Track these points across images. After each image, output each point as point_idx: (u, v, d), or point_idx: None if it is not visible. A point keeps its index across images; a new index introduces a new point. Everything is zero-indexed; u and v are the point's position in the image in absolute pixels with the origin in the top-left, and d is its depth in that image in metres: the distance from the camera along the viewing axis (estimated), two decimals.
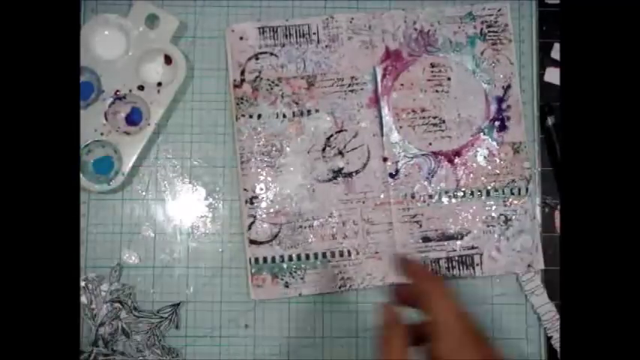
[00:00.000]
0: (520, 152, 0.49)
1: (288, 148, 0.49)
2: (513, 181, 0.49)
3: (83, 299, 0.47)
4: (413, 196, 0.49)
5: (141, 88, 0.48)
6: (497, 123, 0.49)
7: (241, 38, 0.49)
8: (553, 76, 0.51)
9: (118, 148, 0.48)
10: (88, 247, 0.48)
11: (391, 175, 0.49)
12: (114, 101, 0.48)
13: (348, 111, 0.49)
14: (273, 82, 0.49)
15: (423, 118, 0.49)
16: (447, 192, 0.49)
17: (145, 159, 0.49)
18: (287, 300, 0.48)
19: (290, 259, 0.48)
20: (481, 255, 0.48)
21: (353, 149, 0.49)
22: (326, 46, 0.49)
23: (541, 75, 0.51)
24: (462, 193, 0.49)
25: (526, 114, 0.50)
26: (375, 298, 0.48)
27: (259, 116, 0.49)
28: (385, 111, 0.49)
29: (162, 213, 0.49)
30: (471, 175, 0.49)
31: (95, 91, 0.48)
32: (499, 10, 0.50)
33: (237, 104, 0.49)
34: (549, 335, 0.48)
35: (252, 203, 0.48)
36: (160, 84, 0.49)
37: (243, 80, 0.49)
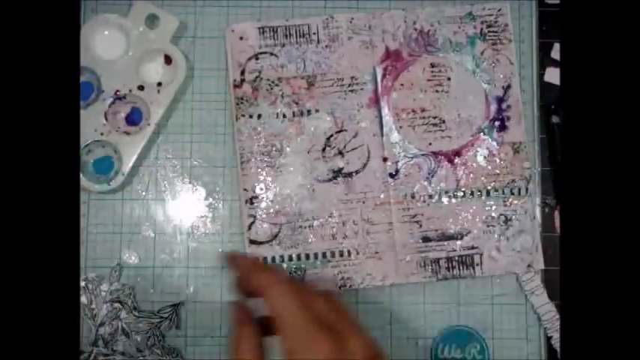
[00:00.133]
0: (520, 152, 0.49)
1: (288, 148, 0.49)
2: (513, 181, 0.49)
3: (83, 299, 0.47)
4: (413, 196, 0.49)
5: (141, 88, 0.48)
6: (497, 123, 0.49)
7: (241, 38, 0.49)
8: (553, 76, 0.51)
9: (118, 148, 0.48)
10: (88, 247, 0.48)
11: (391, 175, 0.49)
12: (114, 101, 0.48)
13: (348, 111, 0.49)
14: (273, 82, 0.49)
15: (423, 118, 0.49)
16: (447, 192, 0.49)
17: (145, 159, 0.49)
18: None
19: (290, 259, 0.48)
20: (481, 255, 0.48)
21: (353, 149, 0.49)
22: (326, 46, 0.49)
23: (541, 75, 0.51)
24: (462, 193, 0.49)
25: (526, 114, 0.50)
26: (375, 298, 0.49)
27: (259, 116, 0.49)
28: (385, 111, 0.49)
29: (162, 213, 0.49)
30: (471, 175, 0.49)
31: (95, 91, 0.48)
32: (499, 10, 0.50)
33: (237, 104, 0.49)
34: (549, 335, 0.48)
35: (252, 203, 0.48)
36: (160, 84, 0.49)
37: (243, 80, 0.49)
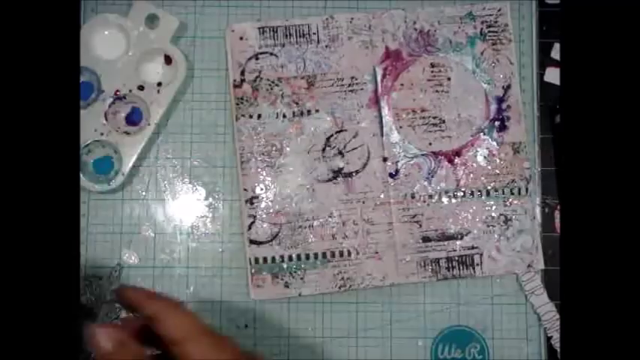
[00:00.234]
0: (520, 152, 0.49)
1: (288, 148, 0.49)
2: (513, 181, 0.49)
3: (83, 299, 0.47)
4: (413, 196, 0.49)
5: (141, 88, 0.48)
6: (497, 123, 0.49)
7: (241, 38, 0.49)
8: (553, 76, 0.51)
9: (118, 148, 0.48)
10: (88, 247, 0.48)
11: (391, 175, 0.49)
12: (114, 101, 0.48)
13: (348, 111, 0.49)
14: (273, 82, 0.49)
15: (423, 118, 0.49)
16: (447, 192, 0.49)
17: (145, 159, 0.49)
18: (287, 300, 0.48)
19: (290, 259, 0.48)
20: (481, 255, 0.48)
21: (353, 149, 0.49)
22: (326, 46, 0.49)
23: (541, 75, 0.51)
24: (462, 193, 0.49)
25: (526, 114, 0.50)
26: (375, 298, 0.49)
27: (259, 116, 0.49)
28: (385, 111, 0.49)
29: (162, 213, 0.49)
30: (471, 175, 0.49)
31: (95, 91, 0.48)
32: (499, 10, 0.50)
33: (237, 104, 0.49)
34: (549, 335, 0.48)
35: (252, 203, 0.48)
36: (160, 84, 0.49)
37: (243, 80, 0.49)
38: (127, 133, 0.48)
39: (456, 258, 0.48)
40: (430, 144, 0.49)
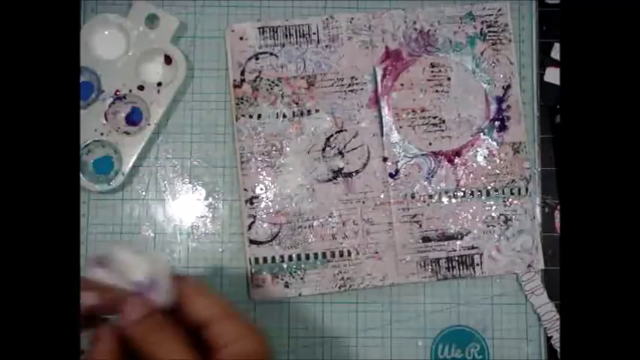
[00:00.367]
0: (520, 152, 0.49)
1: (288, 148, 0.49)
2: (513, 181, 0.49)
3: None
4: (413, 196, 0.49)
5: (141, 88, 0.48)
6: (497, 123, 0.49)
7: (241, 38, 0.49)
8: (553, 76, 0.51)
9: (118, 148, 0.48)
10: (88, 247, 0.48)
11: (391, 175, 0.49)
12: (114, 101, 0.48)
13: (348, 111, 0.49)
14: (273, 82, 0.49)
15: (423, 118, 0.49)
16: (447, 192, 0.49)
17: (145, 159, 0.49)
18: (287, 300, 0.48)
19: (290, 259, 0.48)
20: (481, 255, 0.48)
21: (353, 149, 0.49)
22: (326, 46, 0.49)
23: (541, 75, 0.51)
24: (462, 193, 0.49)
25: (526, 114, 0.50)
26: (375, 298, 0.49)
27: (259, 116, 0.49)
28: (385, 111, 0.49)
29: (162, 213, 0.49)
30: (471, 175, 0.49)
31: (95, 91, 0.48)
32: (499, 10, 0.50)
33: (237, 104, 0.49)
34: (549, 335, 0.48)
35: (252, 203, 0.48)
36: (160, 84, 0.49)
37: (243, 80, 0.49)
38: (127, 133, 0.48)
39: (456, 258, 0.48)
40: (430, 144, 0.49)
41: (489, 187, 0.49)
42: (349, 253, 0.48)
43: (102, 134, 0.48)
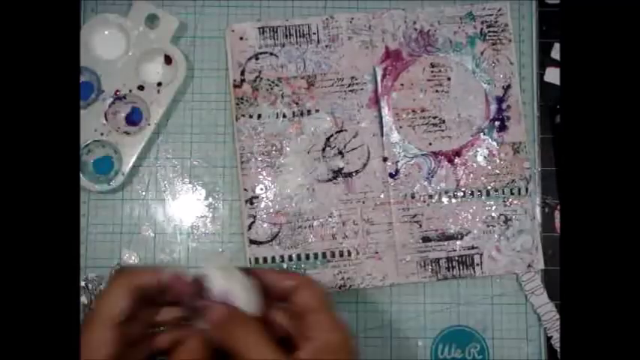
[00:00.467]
0: (520, 152, 0.49)
1: (288, 148, 0.49)
2: (513, 181, 0.49)
3: (83, 299, 0.47)
4: (413, 196, 0.49)
5: (141, 88, 0.48)
6: (497, 123, 0.49)
7: (241, 38, 0.49)
8: (553, 76, 0.51)
9: (118, 148, 0.48)
10: (88, 247, 0.48)
11: (391, 175, 0.49)
12: (114, 101, 0.48)
13: (348, 111, 0.49)
14: (273, 82, 0.49)
15: (423, 118, 0.49)
16: (447, 192, 0.49)
17: (145, 159, 0.49)
18: None
19: (290, 259, 0.48)
20: (481, 255, 0.48)
21: (353, 149, 0.49)
22: (326, 46, 0.49)
23: (541, 75, 0.51)
24: (462, 193, 0.49)
25: (526, 114, 0.50)
26: (375, 298, 0.49)
27: (259, 116, 0.49)
28: (385, 111, 0.49)
29: (162, 213, 0.49)
30: (471, 175, 0.49)
31: (95, 91, 0.48)
32: (499, 10, 0.50)
33: (237, 104, 0.49)
34: (549, 335, 0.48)
35: (252, 203, 0.48)
36: (160, 84, 0.49)
37: (243, 80, 0.49)
38: (127, 133, 0.48)
39: (456, 258, 0.48)
40: (430, 144, 0.49)
41: (489, 187, 0.49)
42: (349, 253, 0.48)
43: (102, 134, 0.48)
